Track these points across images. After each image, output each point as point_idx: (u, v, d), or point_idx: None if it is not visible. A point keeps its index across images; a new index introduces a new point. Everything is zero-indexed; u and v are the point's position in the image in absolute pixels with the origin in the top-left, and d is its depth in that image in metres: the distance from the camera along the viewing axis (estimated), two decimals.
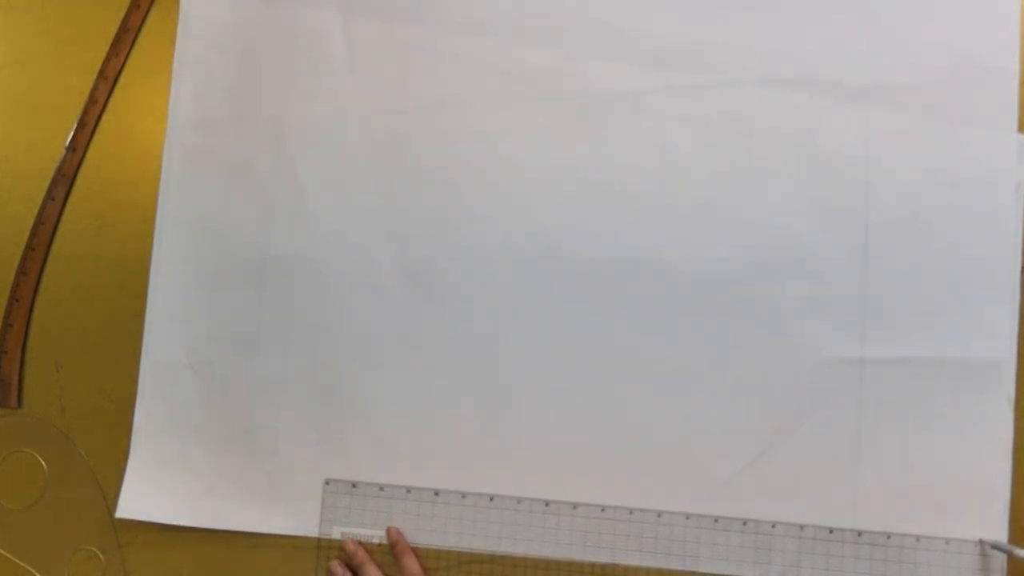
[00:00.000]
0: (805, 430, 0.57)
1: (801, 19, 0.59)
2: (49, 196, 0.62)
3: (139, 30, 0.63)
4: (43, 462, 0.60)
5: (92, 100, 0.62)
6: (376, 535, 0.59)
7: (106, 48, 0.63)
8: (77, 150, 0.62)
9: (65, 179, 0.62)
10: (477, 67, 0.61)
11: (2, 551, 0.60)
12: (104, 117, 0.63)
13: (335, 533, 0.59)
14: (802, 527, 0.57)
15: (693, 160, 0.59)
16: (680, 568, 0.57)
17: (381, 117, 0.61)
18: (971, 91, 0.58)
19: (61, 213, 0.62)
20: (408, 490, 0.59)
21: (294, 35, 0.62)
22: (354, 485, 0.59)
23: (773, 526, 0.57)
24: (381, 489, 0.59)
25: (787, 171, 0.58)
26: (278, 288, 0.60)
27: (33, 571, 0.59)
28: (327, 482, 0.59)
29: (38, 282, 0.62)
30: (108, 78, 0.63)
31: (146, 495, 0.59)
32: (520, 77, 0.60)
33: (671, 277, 0.58)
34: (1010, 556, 0.55)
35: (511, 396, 0.59)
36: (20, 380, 0.61)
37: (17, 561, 0.59)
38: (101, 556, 0.60)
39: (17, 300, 0.61)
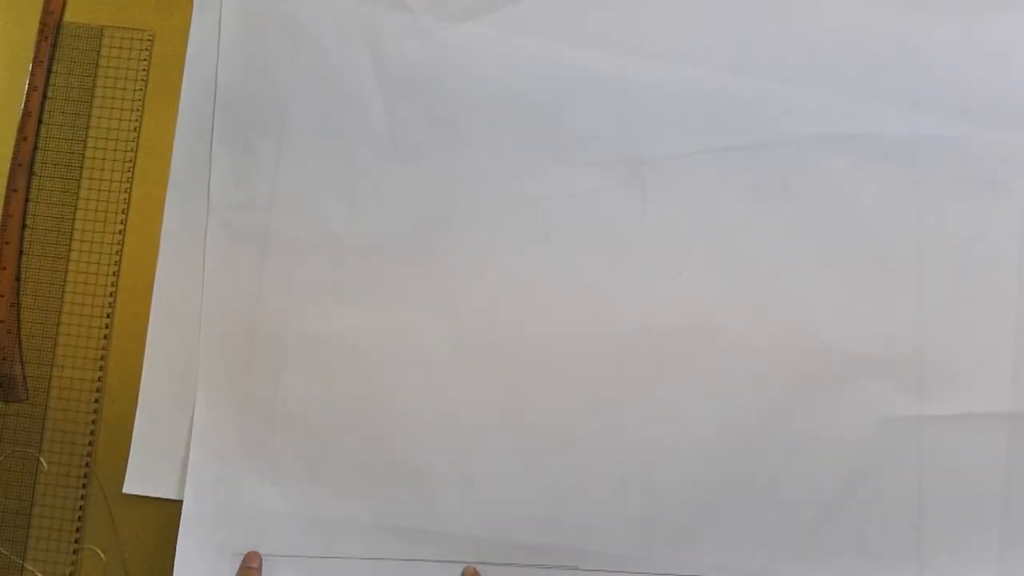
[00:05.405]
0: (865, 492, 0.56)
1: (850, 76, 0.58)
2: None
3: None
4: (43, 462, 0.60)
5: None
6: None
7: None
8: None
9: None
10: (519, 131, 0.59)
11: (2, 551, 0.60)
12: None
13: None
14: None
15: (741, 223, 0.58)
16: None
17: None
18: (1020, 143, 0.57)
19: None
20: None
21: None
22: None
23: None
24: None
25: (835, 230, 0.58)
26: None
27: (33, 571, 0.60)
28: None
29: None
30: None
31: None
32: (563, 140, 0.59)
33: (723, 342, 0.57)
34: None
35: (553, 455, 0.57)
36: (24, 376, 0.61)
37: (17, 561, 0.60)
38: (102, 555, 0.60)
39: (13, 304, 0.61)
